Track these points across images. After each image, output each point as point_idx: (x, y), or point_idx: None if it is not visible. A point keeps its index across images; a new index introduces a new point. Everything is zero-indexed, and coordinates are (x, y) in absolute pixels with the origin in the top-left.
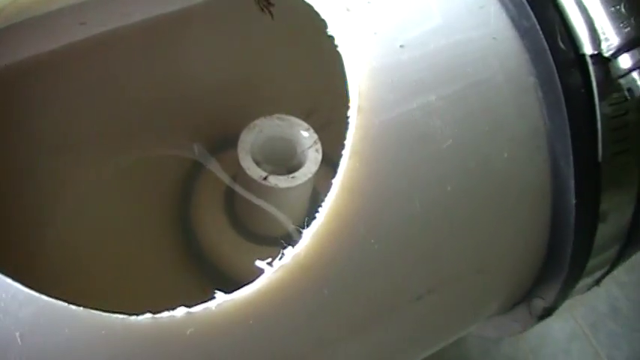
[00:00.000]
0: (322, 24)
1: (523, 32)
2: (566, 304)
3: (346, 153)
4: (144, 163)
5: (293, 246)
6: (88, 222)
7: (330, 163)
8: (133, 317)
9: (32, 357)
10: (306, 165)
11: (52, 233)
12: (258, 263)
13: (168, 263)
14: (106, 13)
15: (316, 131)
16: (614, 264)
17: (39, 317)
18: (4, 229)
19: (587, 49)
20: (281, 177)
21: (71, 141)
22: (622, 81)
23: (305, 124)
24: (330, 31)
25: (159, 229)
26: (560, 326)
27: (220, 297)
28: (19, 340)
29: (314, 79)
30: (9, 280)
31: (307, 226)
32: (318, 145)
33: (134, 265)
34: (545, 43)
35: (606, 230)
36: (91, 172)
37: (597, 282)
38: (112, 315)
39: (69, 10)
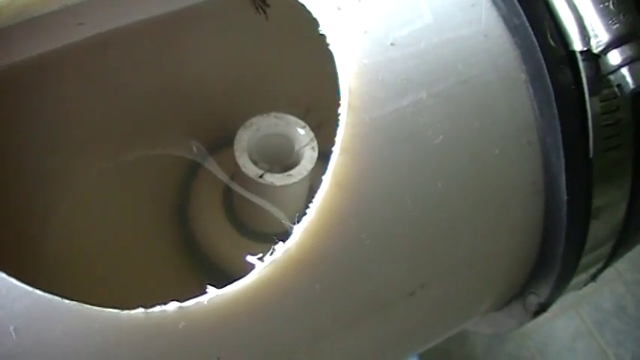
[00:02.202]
0: (315, 23)
1: (513, 29)
2: (572, 303)
3: (336, 150)
4: (142, 162)
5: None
6: (88, 220)
7: (326, 161)
8: (126, 312)
9: (26, 350)
10: (302, 163)
11: (52, 231)
12: (249, 258)
13: (167, 261)
14: (104, 14)
15: (313, 129)
16: (608, 260)
17: (33, 311)
18: (6, 228)
19: (577, 46)
20: (277, 175)
21: (70, 140)
22: (612, 77)
23: (301, 122)
24: (322, 29)
25: (158, 226)
26: (565, 324)
27: (212, 291)
28: (13, 333)
29: (311, 78)
30: (3, 275)
31: (299, 221)
32: (314, 143)
33: (134, 262)
34: (535, 40)
35: (599, 226)
36: (89, 171)
37: (593, 278)
38: (104, 309)
39: (66, 11)
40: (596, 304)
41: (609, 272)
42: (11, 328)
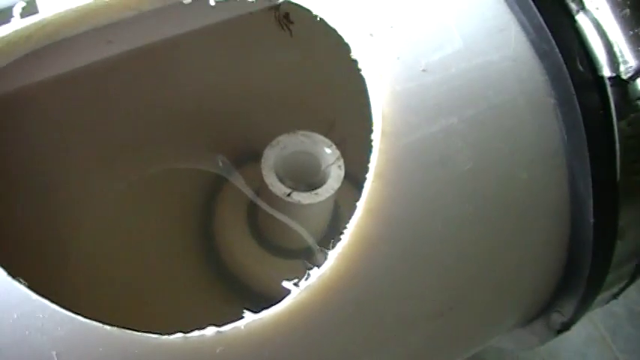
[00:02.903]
0: (346, 47)
1: (543, 55)
2: None
3: (370, 176)
4: (168, 176)
5: (315, 263)
6: (112, 235)
7: (348, 176)
8: (165, 337)
9: None
10: (328, 182)
11: (76, 247)
12: (285, 284)
13: (191, 275)
14: (132, 32)
15: (337, 144)
16: (632, 278)
17: (74, 337)
18: (30, 243)
19: (606, 72)
20: (304, 193)
21: (97, 155)
22: None
23: (328, 141)
24: (354, 55)
25: (182, 241)
26: (577, 330)
27: (249, 316)
28: (55, 358)
29: (335, 93)
30: (46, 301)
31: (332, 247)
32: (341, 162)
33: (157, 277)
34: (565, 66)
35: (624, 247)
36: (115, 186)
37: (616, 295)
38: (144, 334)
39: (95, 30)
40: (609, 309)
41: None
42: (54, 353)
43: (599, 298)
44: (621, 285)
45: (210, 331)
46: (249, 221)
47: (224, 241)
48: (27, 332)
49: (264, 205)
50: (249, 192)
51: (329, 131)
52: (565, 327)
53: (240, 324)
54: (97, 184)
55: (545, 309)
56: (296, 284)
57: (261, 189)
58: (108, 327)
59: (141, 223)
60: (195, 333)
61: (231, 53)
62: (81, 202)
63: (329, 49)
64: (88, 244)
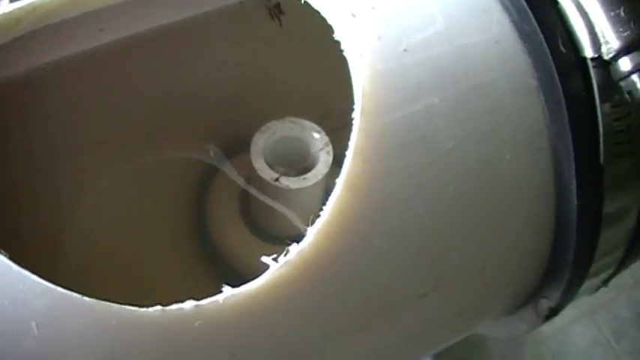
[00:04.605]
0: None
1: (525, 36)
2: (588, 310)
3: (349, 153)
4: (161, 165)
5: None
6: (106, 223)
7: (341, 164)
8: (143, 309)
9: (47, 345)
10: (317, 167)
11: (70, 233)
12: (264, 259)
13: (184, 263)
14: (124, 20)
15: (331, 133)
16: (620, 265)
17: (54, 308)
18: (25, 229)
19: (588, 53)
20: (292, 178)
21: (89, 144)
22: (622, 84)
23: (316, 127)
24: (337, 36)
25: (175, 229)
26: (582, 332)
27: (227, 291)
28: (35, 329)
29: (329, 82)
30: (26, 272)
31: (311, 224)
32: (329, 147)
33: (151, 264)
34: (547, 47)
35: (611, 232)
36: (108, 174)
37: (605, 283)
38: (122, 307)
39: (87, 16)
40: (613, 312)
41: (626, 280)
42: (33, 324)
43: (587, 284)
44: (610, 271)
45: (188, 304)
46: (241, 209)
47: (217, 229)
48: (7, 303)
49: (255, 192)
50: (240, 180)
51: (322, 120)
52: (553, 313)
53: (218, 298)
54: (91, 173)
55: (533, 294)
56: (275, 259)
57: (252, 176)
58: (87, 298)
59: (135, 211)
60: (174, 306)
61: (225, 43)
62: (76, 189)
63: (322, 39)
64: (83, 229)
